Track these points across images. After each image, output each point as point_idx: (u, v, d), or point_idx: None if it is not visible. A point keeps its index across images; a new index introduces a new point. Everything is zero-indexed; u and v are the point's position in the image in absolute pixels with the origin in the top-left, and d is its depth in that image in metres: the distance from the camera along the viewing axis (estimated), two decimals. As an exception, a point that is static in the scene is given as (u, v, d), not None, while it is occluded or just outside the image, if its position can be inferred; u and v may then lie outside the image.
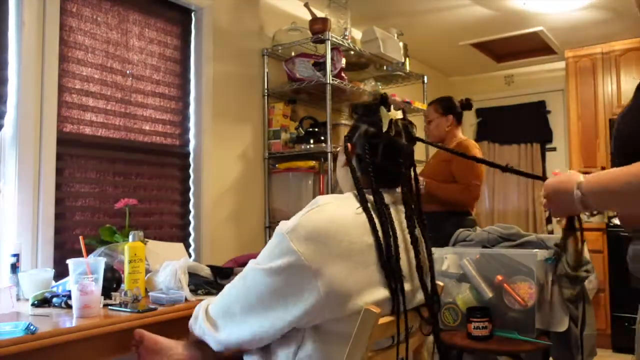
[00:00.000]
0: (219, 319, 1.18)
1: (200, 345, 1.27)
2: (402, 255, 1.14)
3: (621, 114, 1.26)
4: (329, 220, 1.07)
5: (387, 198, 1.19)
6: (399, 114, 1.27)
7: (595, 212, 1.15)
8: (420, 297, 1.19)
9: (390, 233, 1.11)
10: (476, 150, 2.93)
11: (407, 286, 1.14)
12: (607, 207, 1.16)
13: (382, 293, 1.07)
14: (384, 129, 1.23)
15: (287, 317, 1.06)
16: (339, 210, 1.10)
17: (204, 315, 1.22)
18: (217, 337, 1.18)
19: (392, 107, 1.27)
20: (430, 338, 1.28)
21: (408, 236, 1.17)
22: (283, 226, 1.10)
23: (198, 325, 1.24)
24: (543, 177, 1.18)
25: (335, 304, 1.03)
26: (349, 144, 1.27)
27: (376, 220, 1.11)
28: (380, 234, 1.10)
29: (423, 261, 1.19)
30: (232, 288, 1.18)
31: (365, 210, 1.11)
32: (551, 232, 4.38)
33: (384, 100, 1.27)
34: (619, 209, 1.18)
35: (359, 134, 1.25)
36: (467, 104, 3.00)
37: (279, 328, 1.08)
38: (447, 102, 2.99)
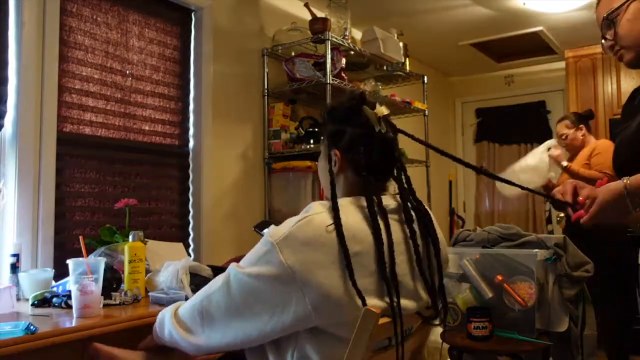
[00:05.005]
0: (194, 323, 1.12)
1: (160, 352, 1.24)
2: (404, 262, 1.12)
3: (621, 132, 1.27)
4: (320, 231, 1.03)
5: (387, 200, 1.16)
6: (384, 110, 1.22)
7: None
8: (425, 298, 1.16)
9: (385, 240, 1.07)
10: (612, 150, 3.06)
11: (407, 291, 1.11)
12: None
13: (378, 302, 1.05)
14: (377, 128, 1.18)
15: (273, 324, 1.03)
16: (330, 220, 1.05)
17: (173, 320, 1.16)
18: (194, 342, 1.12)
19: (376, 104, 1.23)
20: (432, 338, 1.27)
21: (410, 241, 1.14)
22: (273, 233, 1.05)
23: (167, 331, 1.18)
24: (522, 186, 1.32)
25: (325, 314, 1.01)
26: (336, 151, 1.19)
27: (367, 227, 1.08)
28: (372, 241, 1.07)
29: (424, 265, 1.16)
30: (210, 291, 1.11)
31: (334, 223, 1.05)
32: (551, 232, 4.38)
33: (364, 99, 1.23)
34: None
35: (349, 138, 1.18)
36: (589, 114, 3.38)
37: (265, 334, 1.05)
38: (575, 115, 3.38)
